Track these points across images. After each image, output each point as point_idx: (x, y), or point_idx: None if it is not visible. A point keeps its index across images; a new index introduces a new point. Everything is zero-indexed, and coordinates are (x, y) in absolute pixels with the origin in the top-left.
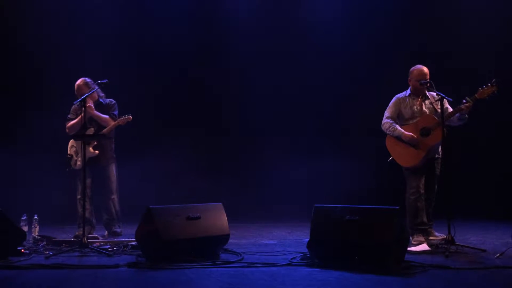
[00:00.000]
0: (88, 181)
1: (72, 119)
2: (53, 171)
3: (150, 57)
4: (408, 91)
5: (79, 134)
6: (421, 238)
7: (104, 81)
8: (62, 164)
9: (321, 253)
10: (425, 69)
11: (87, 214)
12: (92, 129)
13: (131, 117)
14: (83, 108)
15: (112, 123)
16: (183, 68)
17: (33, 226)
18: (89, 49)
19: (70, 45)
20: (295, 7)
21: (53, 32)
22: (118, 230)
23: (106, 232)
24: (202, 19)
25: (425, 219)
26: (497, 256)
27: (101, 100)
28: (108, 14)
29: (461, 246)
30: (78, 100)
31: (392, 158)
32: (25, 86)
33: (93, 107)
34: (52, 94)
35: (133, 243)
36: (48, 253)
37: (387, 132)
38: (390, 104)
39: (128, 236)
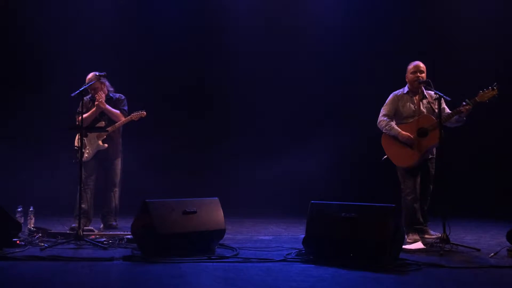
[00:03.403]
0: (94, 174)
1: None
2: (50, 163)
3: (149, 53)
4: (406, 88)
5: (77, 127)
6: (416, 237)
7: (102, 73)
8: (59, 156)
9: (316, 250)
10: (421, 64)
11: (86, 206)
12: (103, 122)
13: (145, 112)
14: (82, 102)
15: (122, 117)
16: (181, 65)
17: (28, 217)
18: (88, 44)
19: (69, 39)
20: (295, 6)
21: (53, 29)
22: (114, 223)
23: (101, 225)
24: (202, 16)
25: (421, 219)
26: (491, 256)
27: (111, 94)
28: (107, 9)
29: (456, 245)
30: (76, 92)
31: (387, 157)
32: (24, 80)
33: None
34: (51, 87)
35: (129, 236)
36: (43, 245)
37: (383, 131)
38: (387, 101)
39: (123, 229)
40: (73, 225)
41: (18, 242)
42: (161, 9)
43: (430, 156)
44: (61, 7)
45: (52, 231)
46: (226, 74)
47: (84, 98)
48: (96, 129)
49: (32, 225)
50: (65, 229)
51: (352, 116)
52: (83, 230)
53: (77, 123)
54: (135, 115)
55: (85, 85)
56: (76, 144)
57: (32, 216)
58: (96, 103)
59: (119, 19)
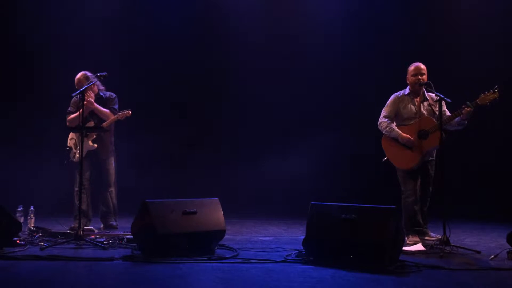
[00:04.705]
0: (87, 174)
1: (73, 112)
2: (50, 163)
3: (149, 52)
4: (407, 90)
5: (77, 127)
6: (416, 238)
7: (103, 73)
8: (60, 156)
9: (316, 251)
10: (421, 65)
11: (84, 207)
12: (92, 122)
13: (130, 112)
14: (83, 102)
15: (112, 116)
16: (181, 65)
17: (29, 217)
18: (87, 42)
19: (68, 38)
20: (295, 6)
21: (53, 29)
22: (114, 223)
23: (102, 225)
24: (200, 16)
25: (421, 221)
26: (491, 258)
27: (101, 93)
28: (107, 9)
29: (456, 247)
30: (76, 92)
31: (387, 159)
32: (24, 80)
33: (93, 101)
34: (50, 88)
35: (129, 236)
36: (43, 245)
37: (384, 132)
38: (388, 102)
39: (124, 229)
40: (73, 224)
41: (18, 241)
42: (161, 10)
43: (430, 158)
44: (61, 7)
45: (52, 230)
46: (225, 73)
47: (72, 95)
48: (95, 129)
49: (32, 225)
50: (65, 229)
51: (352, 116)
52: (83, 230)
53: (67, 122)
54: (121, 115)
55: (86, 85)
56: (68, 144)
57: (32, 215)
58: (84, 103)
59: (119, 19)
